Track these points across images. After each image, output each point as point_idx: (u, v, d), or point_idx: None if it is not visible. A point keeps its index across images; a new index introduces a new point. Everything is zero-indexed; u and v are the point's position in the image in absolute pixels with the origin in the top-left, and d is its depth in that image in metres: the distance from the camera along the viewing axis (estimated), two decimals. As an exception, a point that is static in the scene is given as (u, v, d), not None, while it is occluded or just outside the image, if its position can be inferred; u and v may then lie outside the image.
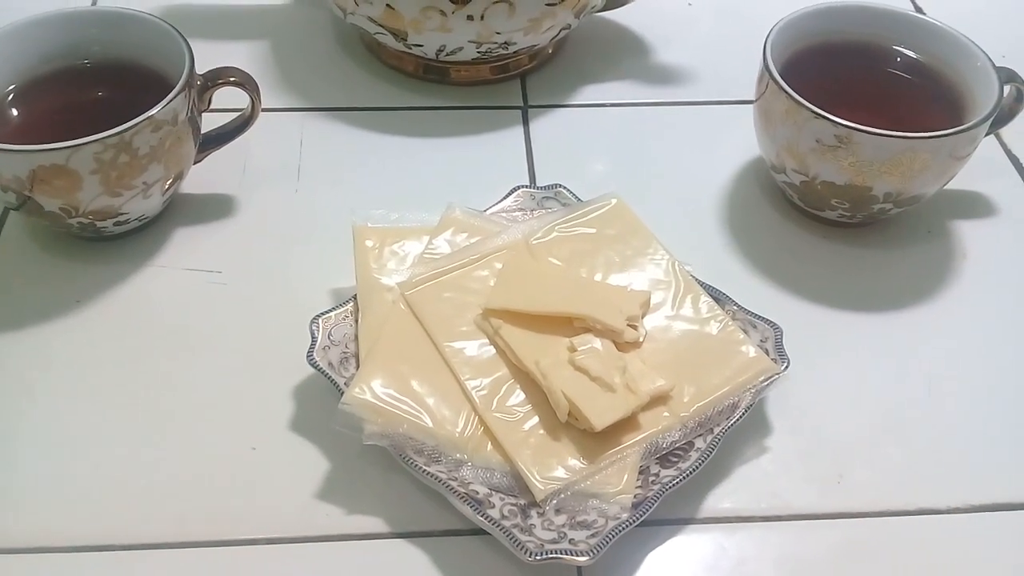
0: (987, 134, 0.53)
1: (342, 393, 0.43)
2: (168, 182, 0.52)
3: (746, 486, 0.45)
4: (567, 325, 0.46)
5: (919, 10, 0.72)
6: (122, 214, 0.51)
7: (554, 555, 0.39)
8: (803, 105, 0.50)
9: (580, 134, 0.63)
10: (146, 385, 0.48)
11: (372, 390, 0.43)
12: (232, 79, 0.53)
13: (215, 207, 0.56)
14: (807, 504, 0.45)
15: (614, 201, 0.52)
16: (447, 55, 0.61)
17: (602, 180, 0.60)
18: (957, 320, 0.53)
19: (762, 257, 0.55)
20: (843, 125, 0.49)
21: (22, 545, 0.42)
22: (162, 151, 0.50)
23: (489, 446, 0.43)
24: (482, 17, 0.58)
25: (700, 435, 0.44)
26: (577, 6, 0.61)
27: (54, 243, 0.54)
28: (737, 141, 0.61)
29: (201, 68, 0.52)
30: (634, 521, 0.41)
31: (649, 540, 0.43)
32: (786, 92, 0.51)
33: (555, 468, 0.42)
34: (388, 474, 0.45)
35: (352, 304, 0.48)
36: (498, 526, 0.40)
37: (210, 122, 0.55)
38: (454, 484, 0.42)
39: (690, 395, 0.45)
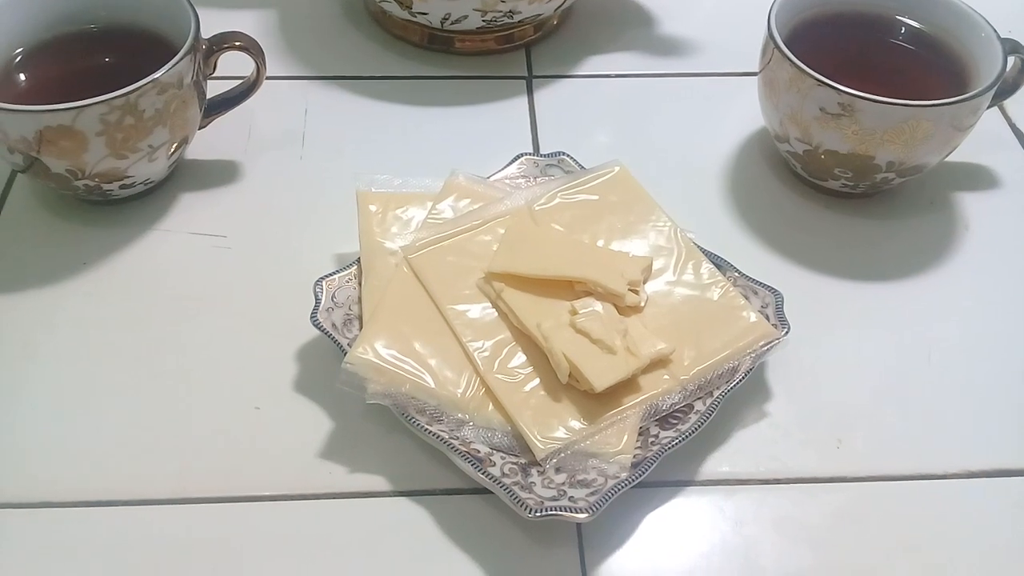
0: (990, 106, 0.53)
1: (345, 354, 0.44)
2: (173, 146, 0.52)
3: (745, 450, 0.46)
4: (569, 289, 0.46)
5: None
6: (128, 177, 0.51)
7: (554, 512, 0.40)
8: (807, 73, 0.50)
9: (584, 105, 0.63)
10: (151, 346, 0.48)
11: (375, 350, 0.43)
12: (237, 43, 0.53)
13: (220, 172, 0.57)
14: (806, 468, 0.45)
15: (617, 168, 0.52)
16: (452, 24, 0.61)
17: (606, 150, 0.60)
18: (958, 290, 0.53)
19: (764, 227, 0.55)
20: (847, 93, 0.49)
21: (28, 500, 0.43)
22: (167, 114, 0.50)
23: (490, 406, 0.43)
24: (487, -15, 0.58)
25: (700, 398, 0.44)
26: (582, -24, 0.61)
27: (61, 206, 0.54)
28: (741, 112, 0.61)
29: (207, 36, 0.53)
30: (633, 480, 0.41)
31: (648, 501, 0.44)
32: (790, 60, 0.51)
33: (555, 428, 0.42)
34: (390, 433, 0.45)
35: (356, 267, 0.48)
36: (499, 484, 0.41)
37: (215, 89, 0.55)
38: (456, 443, 0.42)
39: (690, 358, 0.45)
